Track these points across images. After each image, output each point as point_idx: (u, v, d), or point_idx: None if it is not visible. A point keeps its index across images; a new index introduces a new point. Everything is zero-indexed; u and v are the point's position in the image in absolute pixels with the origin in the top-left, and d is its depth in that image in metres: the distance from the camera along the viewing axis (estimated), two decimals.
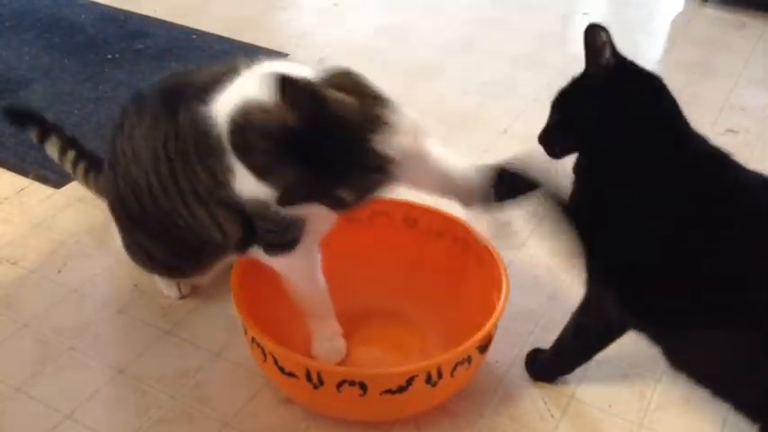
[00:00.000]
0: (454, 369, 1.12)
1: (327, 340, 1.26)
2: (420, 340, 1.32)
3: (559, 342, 1.22)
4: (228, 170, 1.09)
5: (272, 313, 1.29)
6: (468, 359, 1.13)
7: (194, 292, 1.39)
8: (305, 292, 1.23)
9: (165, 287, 1.39)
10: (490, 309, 1.18)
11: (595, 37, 1.10)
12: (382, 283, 1.38)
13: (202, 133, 1.11)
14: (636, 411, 1.23)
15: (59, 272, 1.46)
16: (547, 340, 1.25)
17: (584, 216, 1.06)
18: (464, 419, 1.21)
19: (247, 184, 1.08)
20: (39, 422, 1.19)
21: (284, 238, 1.15)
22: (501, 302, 1.17)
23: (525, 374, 1.28)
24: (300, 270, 1.20)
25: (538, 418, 1.21)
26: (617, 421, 1.21)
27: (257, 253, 1.19)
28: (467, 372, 1.16)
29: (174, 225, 1.22)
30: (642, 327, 1.07)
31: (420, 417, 1.19)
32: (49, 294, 1.41)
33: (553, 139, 1.12)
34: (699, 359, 1.04)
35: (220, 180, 1.11)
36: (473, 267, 1.31)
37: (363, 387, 1.08)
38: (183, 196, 1.17)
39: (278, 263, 1.19)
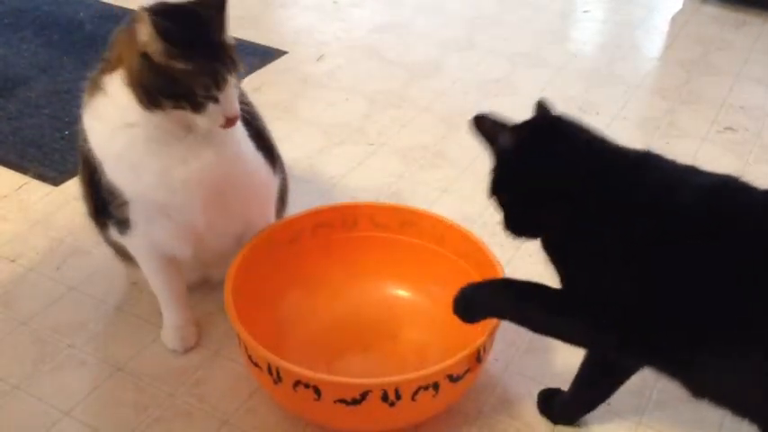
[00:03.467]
0: (415, 393, 1.07)
1: (172, 328, 1.30)
2: (419, 352, 1.30)
3: (576, 389, 1.17)
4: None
5: (270, 313, 1.30)
6: (435, 386, 1.08)
7: (192, 291, 1.39)
8: (148, 278, 1.27)
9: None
10: (488, 321, 1.15)
11: (482, 126, 1.08)
12: (382, 290, 1.38)
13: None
14: (635, 409, 1.23)
15: (58, 269, 1.46)
16: (545, 339, 1.24)
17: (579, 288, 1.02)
18: (462, 416, 1.21)
19: (84, 124, 1.13)
20: (37, 420, 1.19)
21: (116, 211, 1.17)
22: (493, 322, 1.14)
23: (523, 372, 1.28)
24: (141, 256, 1.24)
25: (536, 415, 1.21)
26: (616, 419, 1.21)
27: (112, 231, 1.23)
28: (434, 399, 1.10)
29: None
30: (655, 365, 1.03)
31: None
32: (47, 292, 1.41)
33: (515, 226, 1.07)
34: (716, 385, 1.00)
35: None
36: (473, 276, 1.30)
37: (317, 392, 1.07)
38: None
39: (124, 241, 1.22)
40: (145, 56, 1.02)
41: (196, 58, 1.03)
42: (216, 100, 1.05)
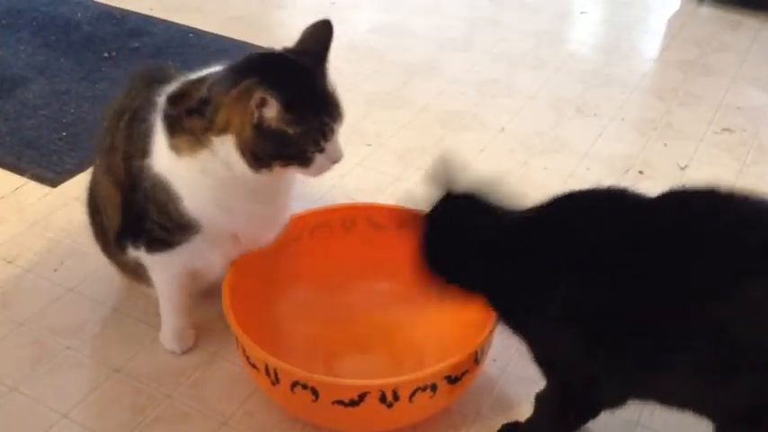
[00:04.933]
0: (413, 394, 1.07)
1: (171, 329, 1.30)
2: (417, 353, 1.29)
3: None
4: (149, 138, 1.13)
5: (267, 314, 1.30)
6: (433, 387, 1.08)
7: (191, 293, 1.39)
8: (162, 288, 1.28)
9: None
10: (486, 321, 1.16)
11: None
12: (380, 291, 1.38)
13: (146, 103, 1.15)
14: (633, 409, 1.22)
15: (55, 271, 1.46)
16: None
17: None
18: (460, 417, 1.21)
19: (162, 159, 1.12)
20: (35, 421, 1.19)
21: (173, 236, 1.17)
22: (491, 323, 1.14)
23: (522, 373, 1.28)
24: (166, 272, 1.24)
25: None
26: (614, 419, 1.21)
27: (133, 251, 1.22)
28: (432, 400, 1.10)
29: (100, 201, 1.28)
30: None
31: None
32: (45, 293, 1.41)
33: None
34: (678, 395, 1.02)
35: (136, 147, 1.14)
36: None
37: (315, 393, 1.07)
38: (98, 160, 1.23)
39: (151, 258, 1.22)
40: (259, 126, 1.03)
41: (308, 119, 1.05)
42: (323, 150, 1.08)
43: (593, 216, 1.00)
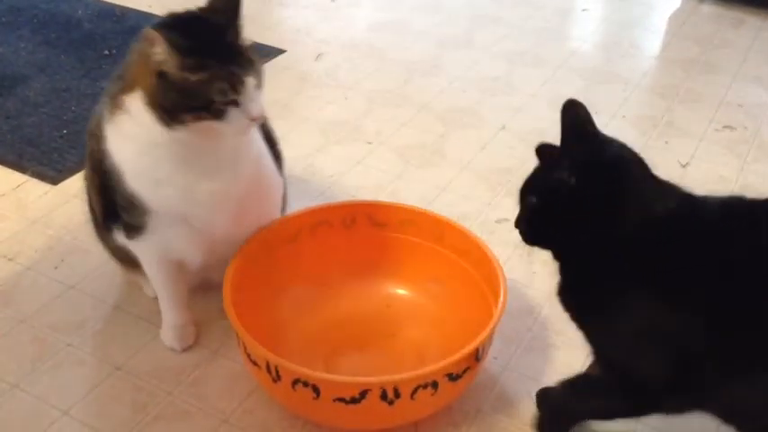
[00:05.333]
0: (414, 392, 1.07)
1: (171, 327, 1.30)
2: (418, 350, 1.29)
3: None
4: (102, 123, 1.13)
5: (268, 312, 1.30)
6: (434, 385, 1.08)
7: (191, 290, 1.39)
8: (151, 280, 1.28)
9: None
10: (487, 319, 1.16)
11: (542, 154, 1.05)
12: (381, 289, 1.38)
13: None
14: None
15: (56, 268, 1.46)
16: (545, 337, 1.25)
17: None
18: (461, 415, 1.21)
19: (107, 138, 1.12)
20: (36, 419, 1.19)
21: (133, 218, 1.17)
22: (492, 321, 1.14)
23: (523, 371, 1.28)
24: (148, 260, 1.24)
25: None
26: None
27: (118, 236, 1.23)
28: (433, 398, 1.10)
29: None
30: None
31: None
32: (45, 291, 1.41)
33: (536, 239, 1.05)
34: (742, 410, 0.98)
35: (100, 131, 1.14)
36: (471, 274, 1.30)
37: (316, 390, 1.07)
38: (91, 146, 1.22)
39: (132, 245, 1.22)
40: (161, 75, 1.02)
41: (210, 66, 1.01)
42: (236, 104, 1.04)
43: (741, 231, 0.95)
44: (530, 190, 1.05)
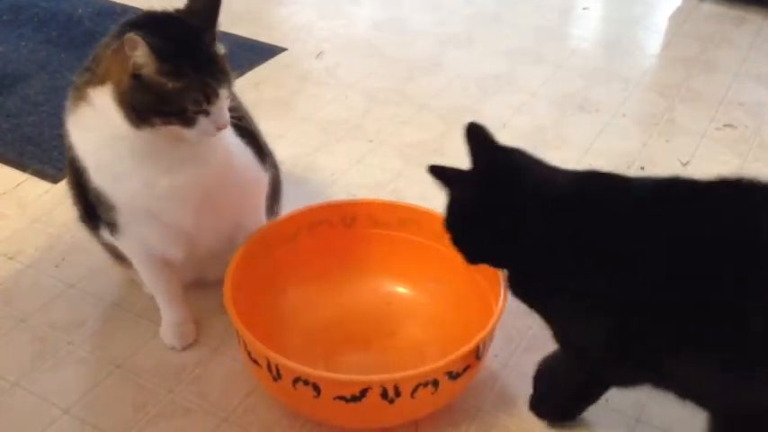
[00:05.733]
0: (415, 390, 1.07)
1: (170, 325, 1.30)
2: (418, 348, 1.29)
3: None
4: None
5: (268, 310, 1.30)
6: (435, 383, 1.08)
7: (191, 288, 1.39)
8: (142, 276, 1.28)
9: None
10: (487, 317, 1.16)
11: (438, 174, 1.13)
12: (381, 287, 1.38)
13: None
14: (633, 405, 1.23)
15: (57, 267, 1.46)
16: (545, 336, 1.24)
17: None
18: (462, 413, 1.21)
19: (71, 132, 1.12)
20: (36, 417, 1.19)
21: (104, 216, 1.17)
22: (492, 319, 1.14)
23: (523, 369, 1.28)
24: (133, 257, 1.25)
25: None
26: (614, 415, 1.21)
27: (104, 233, 1.22)
28: (434, 396, 1.10)
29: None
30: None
31: None
32: (46, 289, 1.41)
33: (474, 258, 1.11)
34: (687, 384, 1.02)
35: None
36: (472, 272, 1.30)
37: (317, 389, 1.07)
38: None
39: (117, 242, 1.22)
40: (137, 77, 1.01)
41: (188, 75, 1.01)
42: (207, 113, 1.04)
43: (641, 204, 0.99)
44: (452, 221, 1.10)
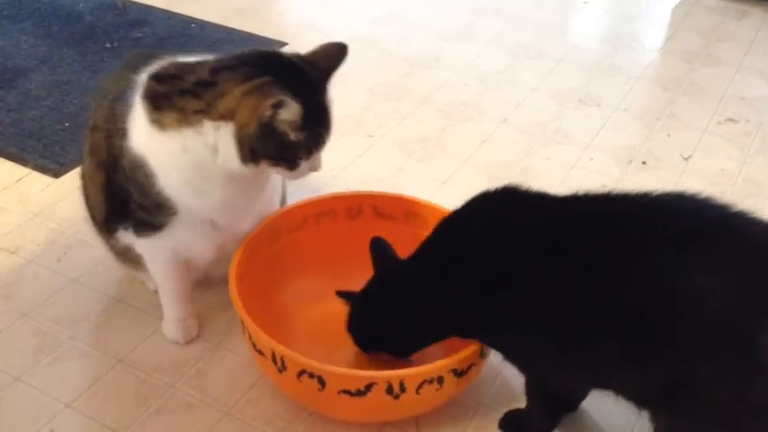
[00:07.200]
0: (420, 386, 1.08)
1: (174, 321, 1.30)
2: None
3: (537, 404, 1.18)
4: (128, 116, 1.13)
5: (273, 301, 1.30)
6: (440, 380, 1.09)
7: (193, 283, 1.39)
8: (157, 276, 1.28)
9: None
10: None
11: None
12: None
13: (129, 86, 1.15)
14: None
15: (59, 261, 1.46)
16: None
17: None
18: (463, 408, 1.21)
19: (141, 137, 1.12)
20: (38, 411, 1.19)
21: (154, 218, 1.16)
22: None
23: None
24: (157, 259, 1.25)
25: None
26: (616, 409, 1.21)
27: (124, 235, 1.22)
28: (438, 392, 1.11)
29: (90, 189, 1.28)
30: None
31: None
32: (48, 284, 1.41)
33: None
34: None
35: (116, 126, 1.14)
36: None
37: (322, 382, 1.07)
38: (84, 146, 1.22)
39: (141, 243, 1.22)
40: (266, 125, 1.05)
41: (309, 128, 1.07)
42: (309, 159, 1.11)
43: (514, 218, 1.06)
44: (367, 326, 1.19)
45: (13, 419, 1.18)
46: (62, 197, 1.61)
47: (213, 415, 1.19)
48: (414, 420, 1.18)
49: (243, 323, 1.14)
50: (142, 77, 1.14)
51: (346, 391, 1.07)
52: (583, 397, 1.19)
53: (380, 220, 1.38)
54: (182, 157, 1.10)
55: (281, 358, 1.09)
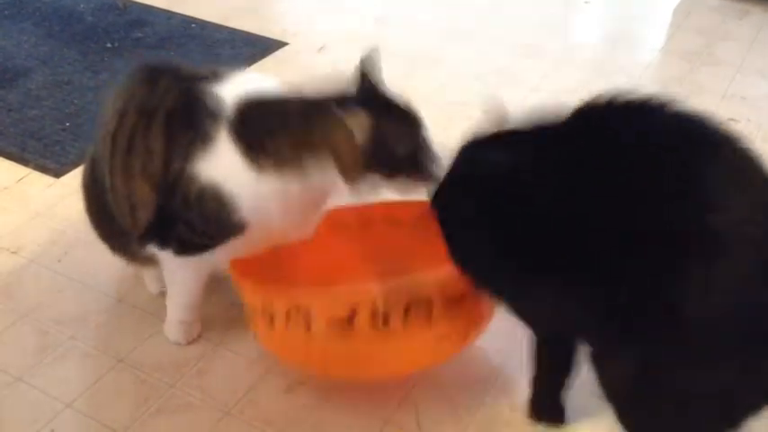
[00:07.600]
0: (407, 312, 1.06)
1: (178, 323, 1.30)
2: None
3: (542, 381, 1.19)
4: (201, 145, 1.11)
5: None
6: (428, 305, 1.08)
7: None
8: (178, 287, 1.28)
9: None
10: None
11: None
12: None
13: (185, 104, 1.14)
14: None
15: (59, 261, 1.46)
16: None
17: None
18: (464, 407, 1.21)
19: (220, 167, 1.11)
20: (39, 411, 1.19)
21: (208, 240, 1.16)
22: None
23: (525, 363, 1.28)
24: (188, 273, 1.25)
25: None
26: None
27: (154, 249, 1.21)
28: (429, 330, 1.09)
29: (104, 200, 1.23)
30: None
31: (419, 403, 1.20)
32: (49, 284, 1.41)
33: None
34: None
35: (179, 151, 1.12)
36: None
37: (308, 320, 1.08)
38: (113, 160, 1.18)
39: (176, 260, 1.20)
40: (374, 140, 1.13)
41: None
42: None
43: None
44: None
45: (13, 419, 1.19)
46: (63, 197, 1.61)
47: (213, 415, 1.19)
48: (415, 420, 1.18)
49: (234, 279, 1.16)
50: (215, 105, 1.12)
51: (333, 322, 1.07)
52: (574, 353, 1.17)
53: (392, 229, 1.36)
54: (281, 193, 1.11)
55: (271, 302, 1.11)
